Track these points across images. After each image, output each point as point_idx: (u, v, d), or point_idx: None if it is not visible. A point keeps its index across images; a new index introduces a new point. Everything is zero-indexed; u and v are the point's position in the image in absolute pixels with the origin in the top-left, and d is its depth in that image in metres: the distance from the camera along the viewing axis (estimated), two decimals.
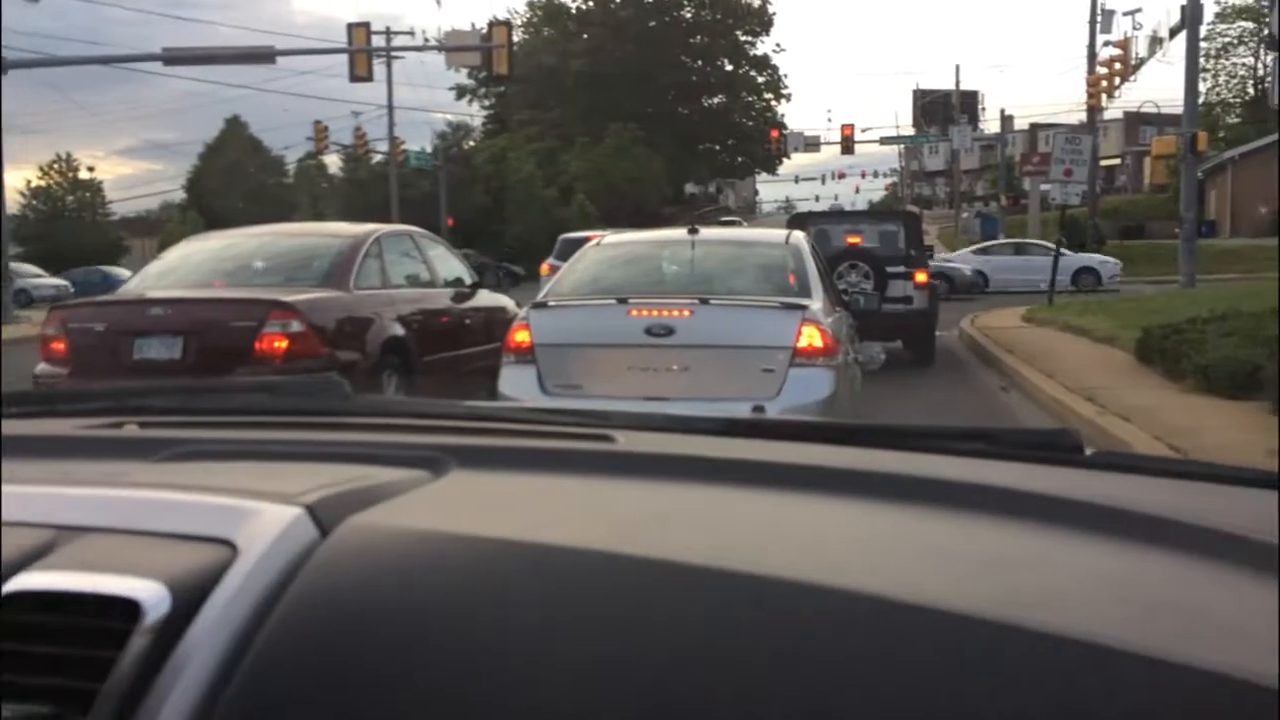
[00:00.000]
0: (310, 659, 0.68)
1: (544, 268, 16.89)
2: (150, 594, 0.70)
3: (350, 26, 25.07)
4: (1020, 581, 0.78)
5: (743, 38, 66.07)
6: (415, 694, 0.67)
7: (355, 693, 0.67)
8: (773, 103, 67.72)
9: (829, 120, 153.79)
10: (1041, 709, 0.62)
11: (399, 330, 7.49)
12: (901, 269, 11.86)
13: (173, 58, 24.05)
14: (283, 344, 6.59)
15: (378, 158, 41.40)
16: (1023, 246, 28.88)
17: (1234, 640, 0.68)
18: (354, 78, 25.37)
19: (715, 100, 67.33)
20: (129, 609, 0.69)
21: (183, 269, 7.71)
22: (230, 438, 1.17)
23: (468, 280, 9.02)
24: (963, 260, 27.63)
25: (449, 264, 9.02)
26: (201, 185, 48.52)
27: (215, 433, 1.20)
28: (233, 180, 46.67)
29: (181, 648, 0.69)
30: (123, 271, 29.40)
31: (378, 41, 30.28)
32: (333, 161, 47.20)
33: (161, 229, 45.39)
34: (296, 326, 6.65)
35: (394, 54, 35.66)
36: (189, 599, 0.71)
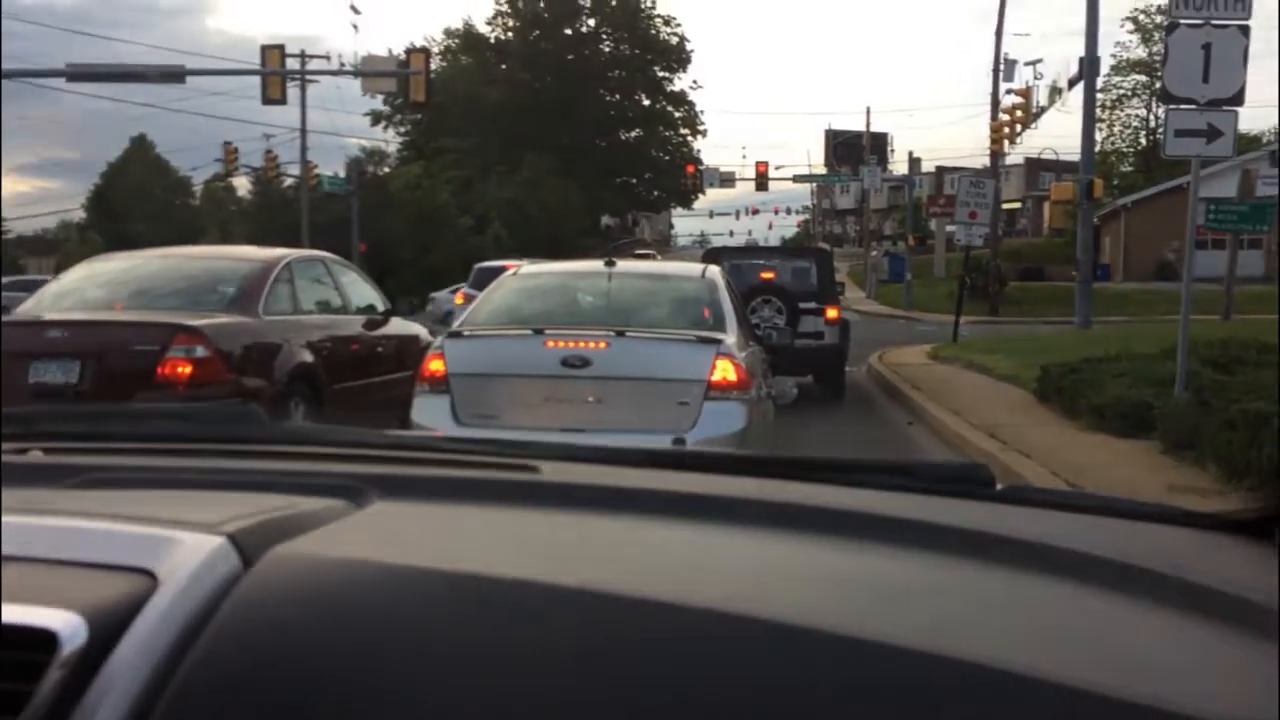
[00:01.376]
0: (233, 693, 0.67)
1: (459, 296, 16.77)
2: (67, 625, 0.68)
3: (264, 48, 24.73)
4: (931, 610, 0.80)
5: (660, 73, 66.86)
6: None
7: None
8: (689, 138, 68.63)
9: (744, 157, 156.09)
10: None
11: (308, 357, 7.36)
12: (813, 305, 12.07)
13: (78, 74, 23.38)
14: (187, 369, 6.42)
15: (289, 181, 40.71)
16: None
17: (1139, 669, 0.71)
18: (267, 100, 24.98)
19: (632, 134, 67.92)
20: (45, 640, 0.67)
21: (83, 290, 7.47)
22: (144, 465, 1.14)
23: (380, 307, 8.92)
24: None
25: (361, 290, 8.91)
26: (103, 205, 47.17)
27: (127, 459, 1.17)
28: (137, 200, 45.48)
29: (100, 680, 0.67)
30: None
31: (292, 64, 29.87)
32: (242, 184, 46.34)
33: (59, 249, 44.00)
34: (202, 352, 6.48)
35: (308, 77, 35.23)
36: (108, 630, 0.69)
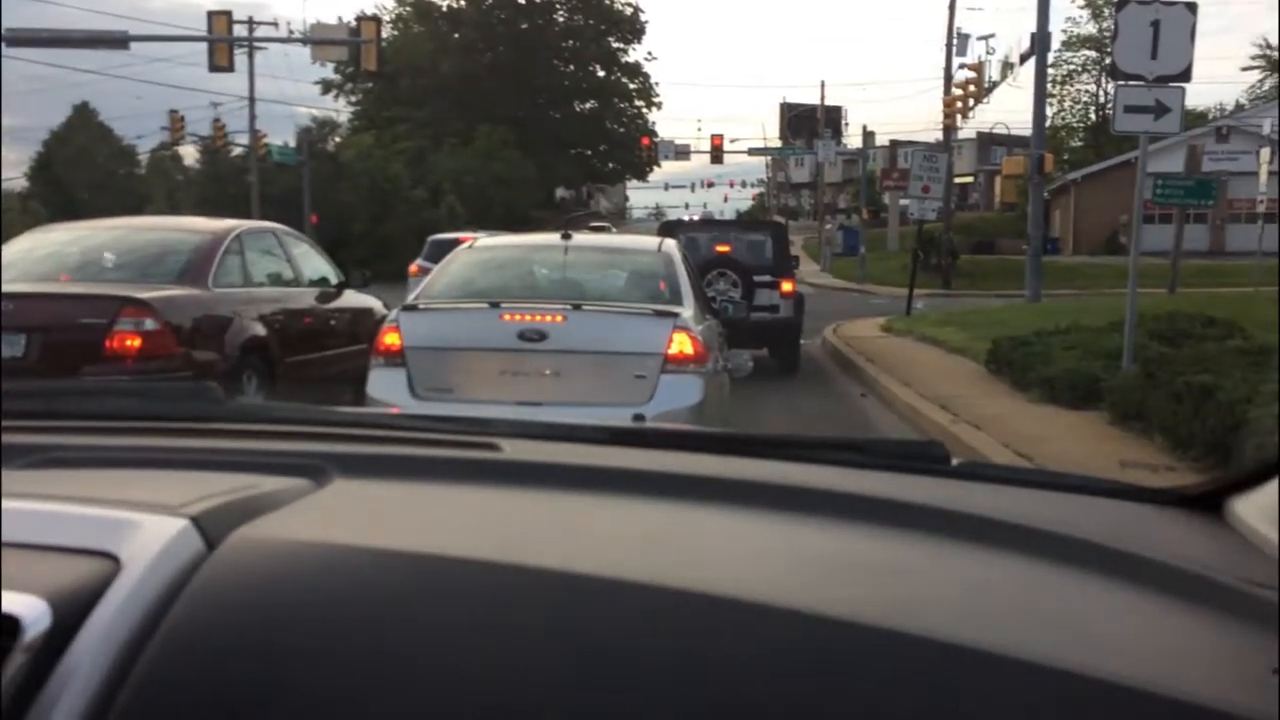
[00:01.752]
0: (198, 676, 0.67)
1: (412, 269, 16.61)
2: (30, 609, 0.67)
3: (211, 14, 24.22)
4: (892, 587, 0.82)
5: (615, 44, 66.34)
6: (306, 710, 0.66)
7: (244, 710, 0.66)
8: (644, 110, 68.17)
9: (699, 130, 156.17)
10: (913, 711, 0.66)
11: (260, 330, 7.27)
12: (768, 278, 12.12)
13: (17, 39, 22.74)
14: (135, 343, 6.32)
15: (238, 150, 39.93)
16: None
17: (1097, 644, 0.73)
18: (213, 67, 24.51)
19: (587, 105, 67.39)
20: (8, 625, 0.66)
21: (26, 262, 7.31)
22: (101, 444, 1.12)
23: (333, 279, 8.83)
24: None
25: (314, 262, 8.80)
26: (46, 173, 46.06)
27: (83, 438, 1.15)
28: (80, 169, 44.44)
29: (64, 665, 0.66)
30: None
31: (240, 31, 29.28)
32: (189, 153, 45.37)
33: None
34: (150, 325, 6.38)
35: (256, 44, 34.54)
36: (71, 614, 0.68)
